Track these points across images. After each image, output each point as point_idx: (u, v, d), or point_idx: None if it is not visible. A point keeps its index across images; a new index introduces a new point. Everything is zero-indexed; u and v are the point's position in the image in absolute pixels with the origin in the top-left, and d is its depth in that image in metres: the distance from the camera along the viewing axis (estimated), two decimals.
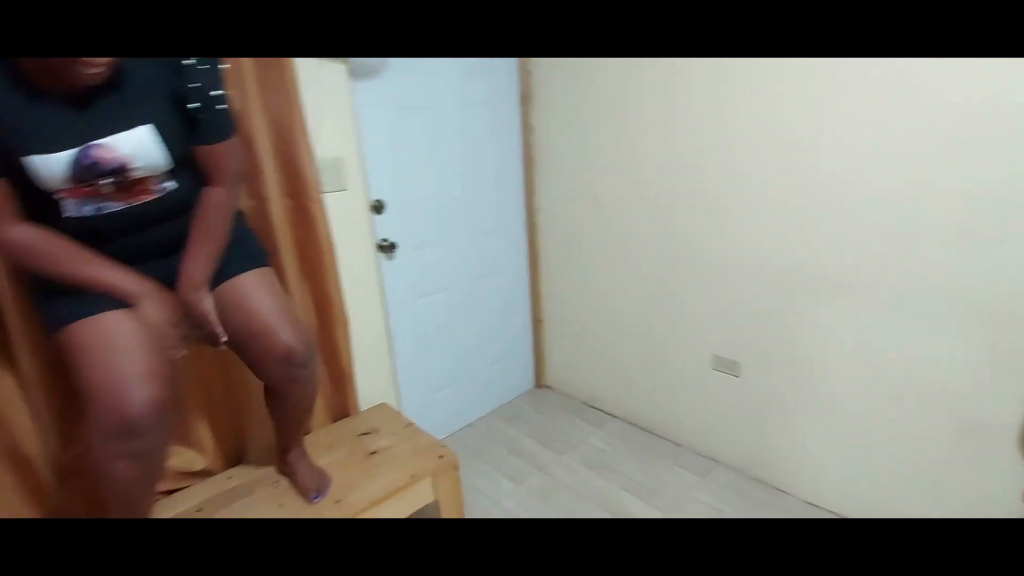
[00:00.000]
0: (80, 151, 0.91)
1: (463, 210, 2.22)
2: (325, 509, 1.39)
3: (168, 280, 1.10)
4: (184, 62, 0.98)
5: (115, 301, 1.02)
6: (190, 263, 1.10)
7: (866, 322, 1.60)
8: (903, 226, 1.47)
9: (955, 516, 1.56)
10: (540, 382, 2.77)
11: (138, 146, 0.97)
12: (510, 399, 2.67)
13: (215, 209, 1.11)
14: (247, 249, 1.23)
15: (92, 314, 0.99)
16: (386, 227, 1.97)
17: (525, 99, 2.33)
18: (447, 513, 1.60)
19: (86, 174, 0.93)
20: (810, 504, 1.87)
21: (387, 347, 2.04)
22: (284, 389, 1.27)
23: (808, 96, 1.55)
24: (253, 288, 1.18)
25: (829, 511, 1.83)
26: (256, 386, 1.60)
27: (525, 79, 2.30)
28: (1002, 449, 1.44)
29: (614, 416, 2.48)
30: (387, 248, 1.97)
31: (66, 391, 1.25)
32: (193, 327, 1.13)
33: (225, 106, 1.05)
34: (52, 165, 0.90)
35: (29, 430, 1.25)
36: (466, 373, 2.42)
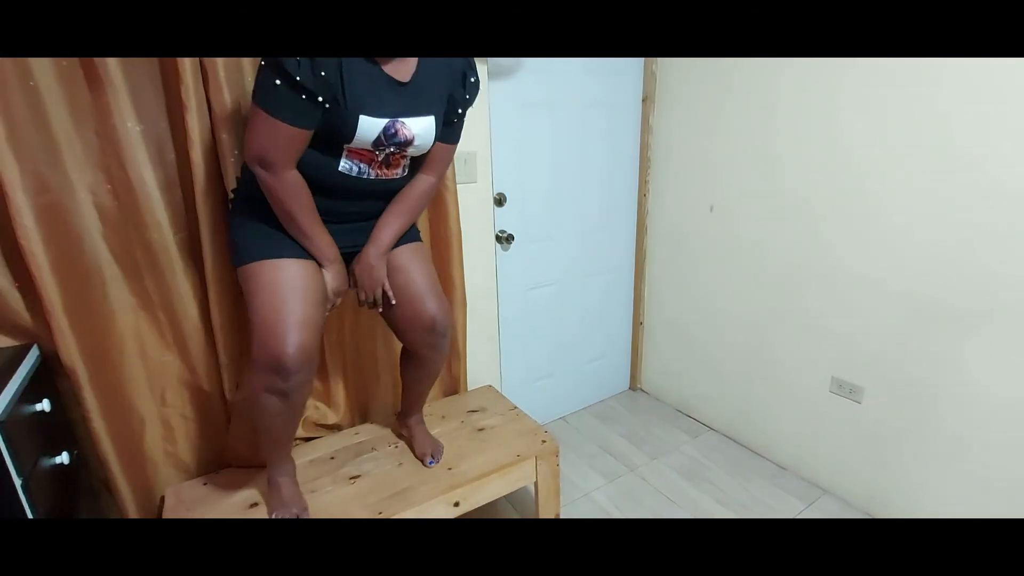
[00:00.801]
0: (390, 122, 1.11)
1: (575, 207, 2.28)
2: (439, 473, 1.51)
3: (347, 244, 1.27)
4: (469, 76, 1.22)
5: (303, 252, 1.18)
6: (384, 231, 1.27)
7: (1015, 361, 1.45)
8: None
9: None
10: (634, 385, 2.77)
11: (424, 130, 1.17)
12: (604, 398, 2.69)
13: (422, 193, 1.30)
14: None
15: (282, 257, 1.16)
16: (505, 219, 2.07)
17: (647, 100, 2.33)
18: (544, 495, 1.67)
19: (386, 140, 1.12)
20: None
21: (497, 333, 2.15)
22: (423, 354, 1.41)
23: (979, 103, 1.43)
24: (411, 259, 1.34)
25: None
26: (383, 354, 1.77)
27: (649, 80, 2.30)
28: None
29: (710, 428, 2.42)
30: (505, 239, 2.08)
31: (242, 343, 1.47)
32: (362, 290, 1.30)
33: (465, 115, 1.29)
34: (372, 127, 1.09)
35: (212, 371, 1.49)
36: (564, 367, 2.48)
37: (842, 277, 1.81)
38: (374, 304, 1.33)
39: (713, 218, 2.20)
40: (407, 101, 1.12)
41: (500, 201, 2.03)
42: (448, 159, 1.33)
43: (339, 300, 1.28)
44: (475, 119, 1.82)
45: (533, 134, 2.06)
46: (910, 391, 1.70)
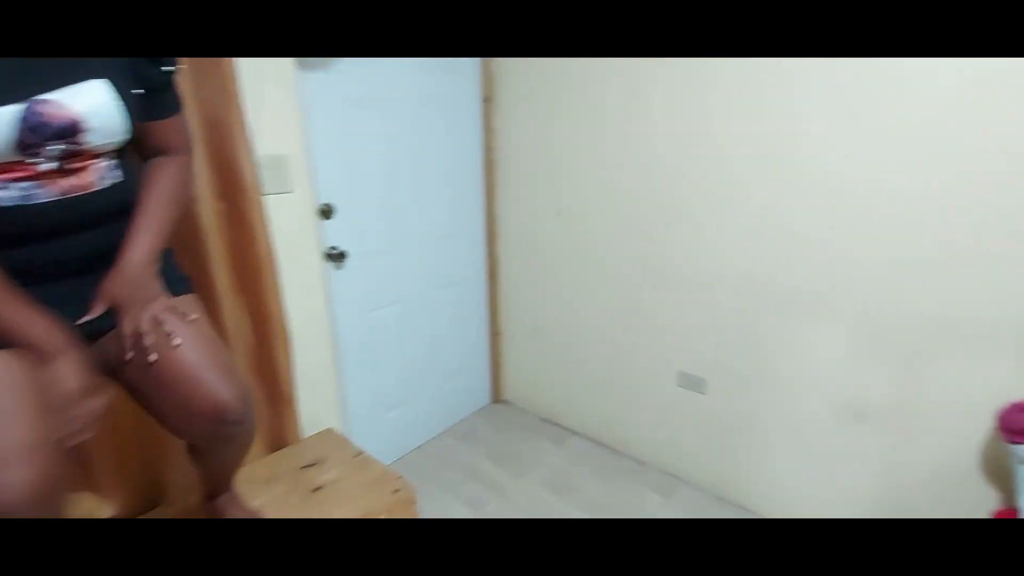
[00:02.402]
0: (27, 105, 0.74)
1: (417, 215, 2.07)
2: None
3: (74, 313, 0.87)
4: None
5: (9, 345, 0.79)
6: (139, 235, 0.91)
7: (839, 343, 1.59)
8: (885, 245, 1.47)
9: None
10: (497, 397, 2.65)
11: (93, 104, 0.80)
12: (466, 415, 2.53)
13: (172, 175, 0.98)
14: (164, 273, 0.99)
15: None
16: (336, 234, 1.79)
17: (487, 100, 2.21)
18: None
19: (35, 135, 0.75)
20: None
21: (334, 365, 1.85)
22: (210, 448, 1.06)
23: (786, 104, 1.53)
24: (176, 324, 0.93)
25: None
26: None
27: (488, 80, 2.18)
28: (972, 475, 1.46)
29: (575, 432, 2.40)
30: (336, 257, 1.79)
31: None
32: (128, 318, 0.88)
33: (173, 77, 0.96)
34: None
35: None
36: (419, 390, 2.26)
37: (680, 273, 1.87)
38: (143, 345, 0.88)
39: (562, 221, 2.16)
40: (41, 67, 0.76)
41: (327, 213, 1.75)
42: (184, 131, 1.02)
43: (93, 407, 0.84)
44: (281, 115, 1.51)
45: (362, 135, 1.81)
46: (748, 379, 1.80)
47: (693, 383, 1.93)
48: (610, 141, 1.92)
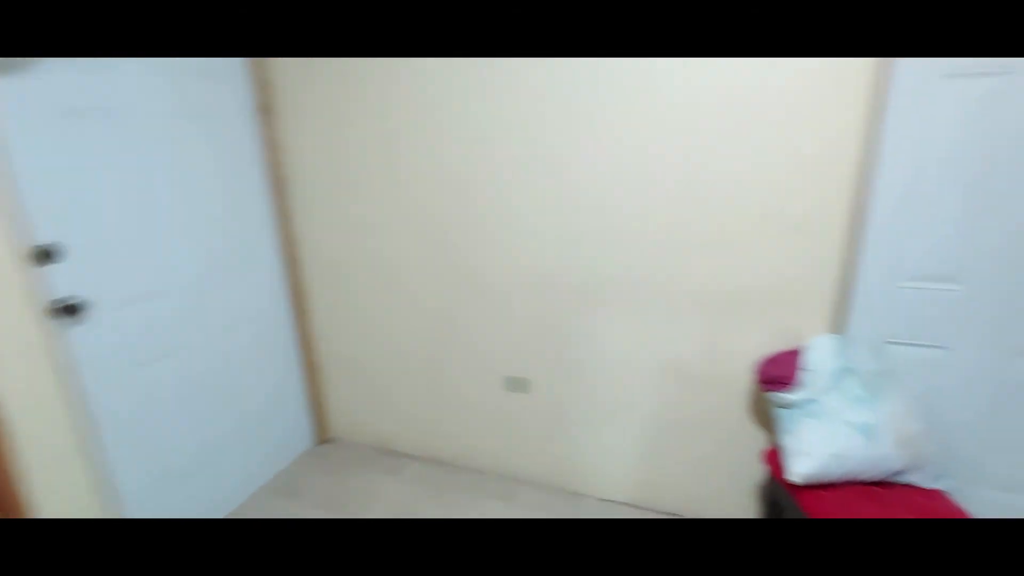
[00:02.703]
0: None
1: (188, 249, 1.76)
2: None
3: None
4: None
5: None
6: None
7: (633, 325, 1.74)
8: (647, 236, 1.63)
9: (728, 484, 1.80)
10: (323, 436, 2.41)
11: None
12: (285, 465, 2.24)
13: None
14: None
15: None
16: (69, 280, 1.42)
17: (265, 111, 1.97)
18: None
19: None
20: (605, 500, 1.96)
21: (83, 444, 1.46)
22: None
23: (569, 112, 1.61)
24: None
25: (624, 503, 1.95)
26: None
27: (264, 88, 1.95)
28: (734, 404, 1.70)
29: (412, 457, 2.28)
30: (68, 310, 1.42)
31: None
32: None
33: None
34: None
35: None
36: (221, 448, 1.93)
37: (486, 281, 1.88)
38: None
39: (366, 240, 2.02)
40: None
41: (48, 255, 1.37)
42: None
43: None
44: None
45: (90, 154, 1.46)
46: (564, 372, 1.88)
47: (518, 385, 1.96)
48: (404, 150, 1.85)
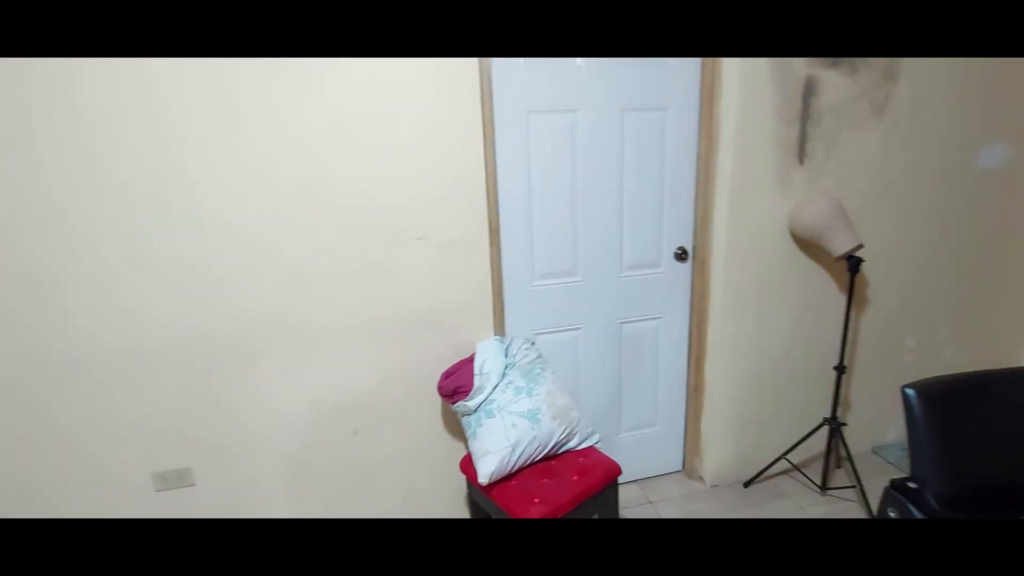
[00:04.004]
0: None
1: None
2: None
3: None
4: None
5: None
6: None
7: (303, 372, 1.56)
8: (300, 274, 1.49)
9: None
10: None
11: None
12: None
13: None
14: None
15: None
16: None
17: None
18: None
19: None
20: None
21: None
22: None
23: (193, 135, 1.33)
24: None
25: None
26: None
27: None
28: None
29: None
30: None
31: None
32: None
33: None
34: None
35: None
36: None
37: (98, 356, 1.42)
38: None
39: None
40: None
41: None
42: None
43: None
44: None
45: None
46: (240, 438, 1.56)
47: (175, 478, 1.54)
48: None
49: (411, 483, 1.74)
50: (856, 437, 2.14)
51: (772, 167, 1.72)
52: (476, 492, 1.58)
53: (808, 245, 1.83)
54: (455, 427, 1.73)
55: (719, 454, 2.01)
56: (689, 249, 1.88)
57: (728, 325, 1.86)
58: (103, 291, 1.37)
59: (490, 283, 1.66)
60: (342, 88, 1.39)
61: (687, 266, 1.89)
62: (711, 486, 2.02)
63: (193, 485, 1.55)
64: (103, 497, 1.50)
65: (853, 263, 1.67)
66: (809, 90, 1.68)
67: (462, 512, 1.81)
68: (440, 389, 1.56)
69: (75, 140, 1.26)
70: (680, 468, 2.13)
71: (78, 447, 1.45)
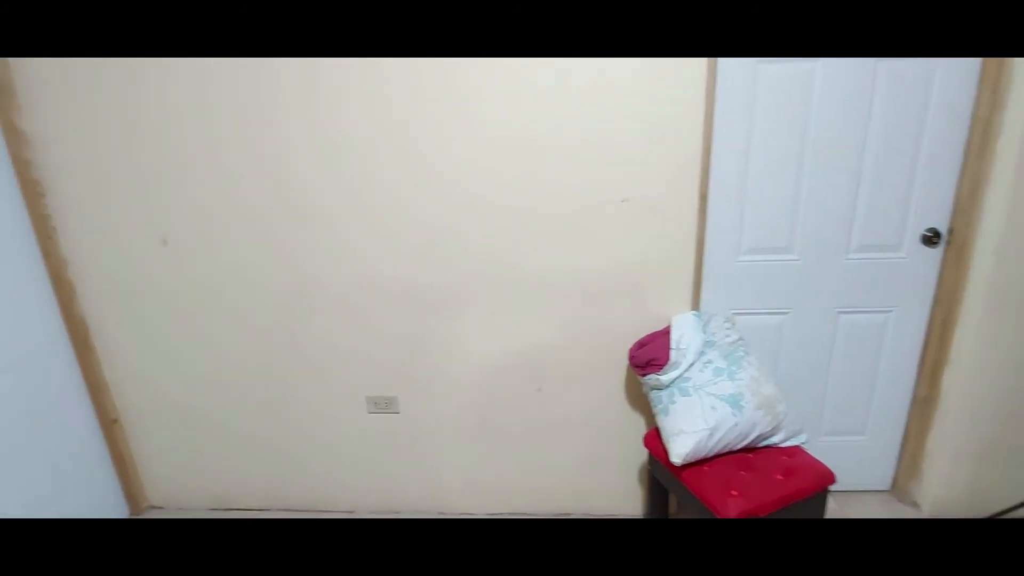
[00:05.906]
0: None
1: None
2: None
3: None
4: None
5: None
6: None
7: (496, 324, 1.61)
8: (506, 232, 1.52)
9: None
10: (137, 506, 1.90)
11: None
12: None
13: None
14: None
15: None
16: None
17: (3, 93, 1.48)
18: None
19: None
20: (494, 517, 1.82)
21: None
22: None
23: (414, 97, 1.43)
24: None
25: (514, 514, 1.82)
26: None
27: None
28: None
29: (262, 511, 1.90)
30: None
31: None
32: None
33: None
34: None
35: None
36: None
37: (336, 292, 1.62)
38: None
39: (174, 253, 1.62)
40: None
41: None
42: None
43: None
44: None
45: None
46: (426, 383, 1.69)
47: (384, 404, 1.72)
48: (216, 149, 1.51)
49: (588, 448, 1.73)
50: None
51: None
52: (660, 470, 1.51)
53: None
54: (637, 398, 1.67)
55: (947, 480, 1.68)
56: (943, 232, 1.54)
57: (985, 328, 1.52)
58: (355, 239, 1.54)
59: (693, 253, 1.54)
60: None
61: (937, 252, 1.57)
62: (929, 515, 1.70)
63: (398, 413, 1.72)
64: (334, 404, 1.74)
65: None
66: None
67: (638, 486, 1.76)
68: (632, 359, 1.50)
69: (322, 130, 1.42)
70: (888, 488, 1.83)
71: (320, 364, 1.70)
